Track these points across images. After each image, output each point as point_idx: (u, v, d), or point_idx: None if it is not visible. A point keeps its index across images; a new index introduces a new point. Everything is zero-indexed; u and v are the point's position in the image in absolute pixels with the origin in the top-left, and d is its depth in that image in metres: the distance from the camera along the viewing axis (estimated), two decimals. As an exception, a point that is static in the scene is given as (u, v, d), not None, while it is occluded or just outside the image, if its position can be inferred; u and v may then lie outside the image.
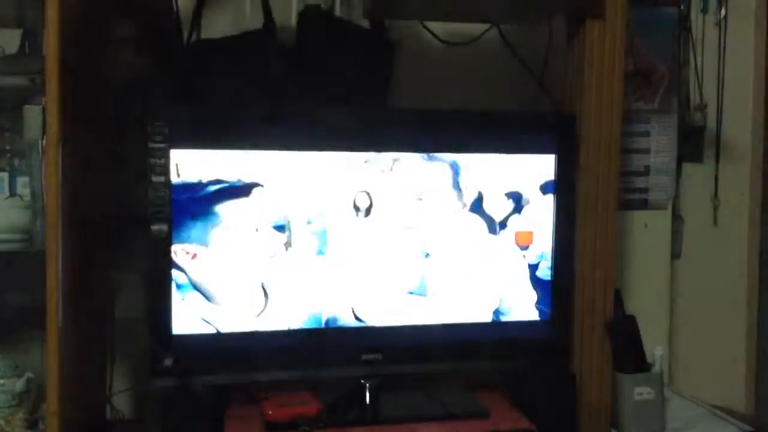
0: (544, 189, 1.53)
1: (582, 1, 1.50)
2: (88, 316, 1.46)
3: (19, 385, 1.48)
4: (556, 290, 1.54)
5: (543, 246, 1.54)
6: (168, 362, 1.37)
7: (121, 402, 1.65)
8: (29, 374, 1.49)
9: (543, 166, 1.52)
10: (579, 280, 1.55)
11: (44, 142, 1.32)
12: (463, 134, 1.51)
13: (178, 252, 1.38)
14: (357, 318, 1.47)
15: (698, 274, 2.04)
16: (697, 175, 2.04)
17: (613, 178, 1.53)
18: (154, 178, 1.36)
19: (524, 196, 1.52)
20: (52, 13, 1.22)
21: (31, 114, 1.27)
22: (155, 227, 1.37)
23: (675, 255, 1.96)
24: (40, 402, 1.49)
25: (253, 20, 1.65)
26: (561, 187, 1.53)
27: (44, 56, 1.52)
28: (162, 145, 1.36)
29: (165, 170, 1.36)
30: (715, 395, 1.82)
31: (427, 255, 1.49)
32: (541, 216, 1.53)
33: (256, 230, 1.42)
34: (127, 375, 1.68)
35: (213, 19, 1.69)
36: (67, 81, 1.24)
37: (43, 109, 1.24)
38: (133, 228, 1.58)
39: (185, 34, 1.64)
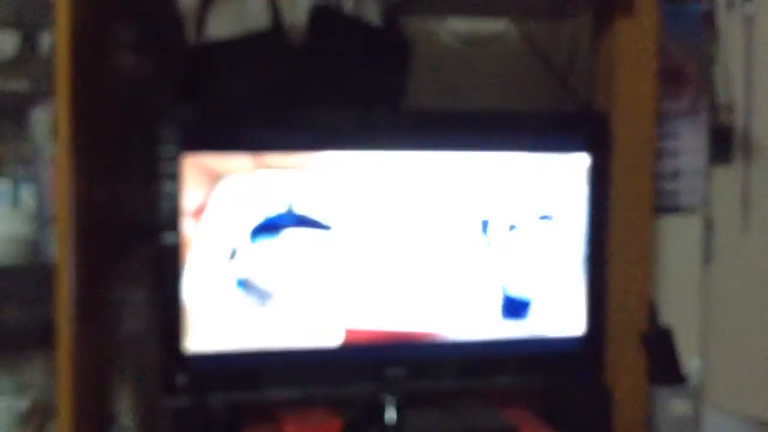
0: (576, 194, 1.47)
1: (612, -3, 1.46)
2: (95, 330, 1.41)
3: (23, 404, 1.43)
4: (589, 300, 1.49)
5: (575, 254, 1.48)
6: (181, 380, 1.31)
7: (128, 420, 1.60)
8: (34, 393, 1.44)
9: (574, 168, 1.47)
10: (613, 291, 1.51)
11: (53, 149, 1.28)
12: (491, 134, 1.47)
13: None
14: (379, 332, 1.42)
15: (729, 280, 1.99)
16: (725, 177, 1.99)
17: (647, 182, 1.50)
18: (165, 185, 1.30)
19: (555, 199, 1.47)
20: (62, 17, 1.20)
21: (40, 120, 1.23)
22: (167, 236, 1.31)
23: (705, 260, 1.90)
24: (45, 421, 1.44)
25: (261, 19, 1.60)
26: (594, 190, 1.48)
27: (47, 60, 1.49)
28: (173, 151, 1.31)
29: (176, 176, 1.31)
30: (750, 405, 1.76)
31: (452, 264, 1.44)
32: (572, 221, 1.48)
33: (271, 237, 1.37)
34: (134, 392, 1.62)
35: (219, 20, 1.63)
36: (74, 86, 1.21)
37: (54, 114, 1.20)
38: (138, 239, 1.53)
39: (190, 35, 1.59)
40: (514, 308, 1.47)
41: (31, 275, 1.40)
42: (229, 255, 1.35)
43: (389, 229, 1.41)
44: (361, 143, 1.41)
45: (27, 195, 1.41)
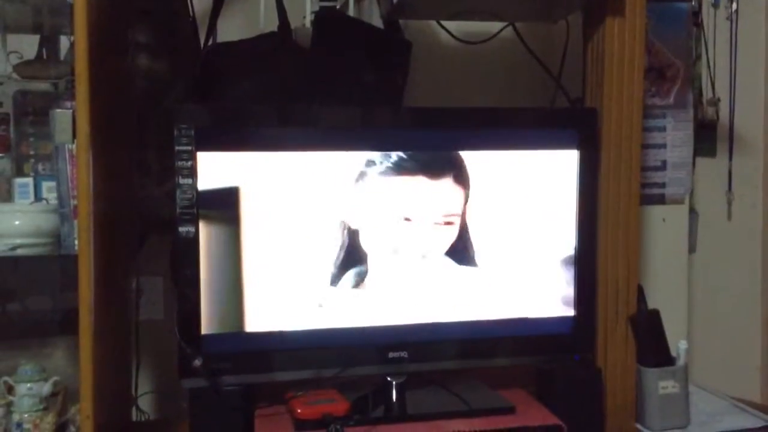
0: (566, 185, 1.54)
1: (601, -2, 1.52)
2: (114, 318, 1.47)
3: (46, 388, 1.48)
4: (580, 286, 1.55)
5: (566, 242, 1.54)
6: (197, 362, 1.37)
7: (145, 403, 1.66)
8: (56, 378, 1.49)
9: (565, 162, 1.53)
10: (602, 276, 1.56)
11: (73, 146, 1.33)
12: (483, 132, 1.51)
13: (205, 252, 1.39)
14: (383, 316, 1.48)
15: (713, 268, 2.06)
16: (710, 169, 2.06)
17: (635, 174, 1.54)
18: (181, 181, 1.37)
19: (546, 191, 1.53)
20: (80, 19, 1.24)
21: (62, 118, 1.28)
22: (183, 229, 1.37)
23: (690, 249, 1.97)
24: (68, 405, 1.50)
25: (268, 22, 1.66)
26: (583, 183, 1.53)
27: (65, 61, 1.55)
28: (188, 148, 1.37)
29: (192, 172, 1.37)
30: (730, 387, 1.83)
31: (451, 250, 1.50)
32: (563, 211, 1.54)
33: (278, 229, 1.42)
34: (152, 376, 1.69)
35: (229, 23, 1.69)
36: (93, 86, 1.25)
37: (73, 113, 1.25)
38: (155, 230, 1.59)
39: (202, 38, 1.64)
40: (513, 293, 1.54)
41: (53, 266, 1.45)
42: (239, 245, 1.41)
43: (392, 223, 1.47)
44: (364, 142, 1.46)
45: (48, 190, 1.47)
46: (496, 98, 1.82)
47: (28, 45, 1.57)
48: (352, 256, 1.46)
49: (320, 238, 1.44)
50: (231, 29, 1.69)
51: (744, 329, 2.11)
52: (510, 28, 1.75)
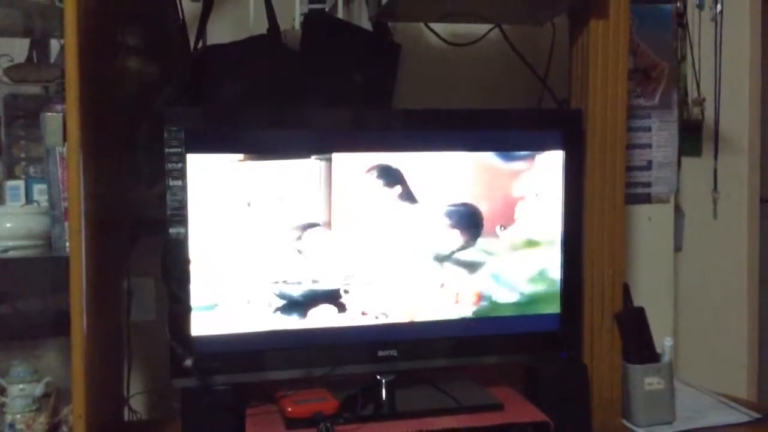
0: (552, 185, 1.55)
1: (586, 0, 1.53)
2: (106, 319, 1.47)
3: (38, 389, 1.49)
4: (566, 284, 1.57)
5: (552, 241, 1.56)
6: (188, 363, 1.38)
7: (137, 403, 1.67)
8: (48, 378, 1.50)
9: (550, 162, 1.55)
10: (588, 274, 1.58)
11: (64, 149, 1.34)
12: (471, 133, 1.53)
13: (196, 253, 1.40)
14: (372, 315, 1.50)
15: (699, 267, 2.08)
16: (696, 168, 2.09)
17: (620, 174, 1.56)
18: (172, 182, 1.38)
19: (533, 191, 1.55)
20: (70, 22, 1.25)
21: (52, 121, 1.29)
22: (173, 230, 1.39)
23: (676, 248, 1.99)
24: (60, 406, 1.51)
25: (258, 25, 1.67)
26: (569, 183, 1.55)
27: (56, 65, 1.56)
28: (178, 150, 1.38)
29: (181, 174, 1.38)
30: (716, 384, 1.85)
31: (439, 250, 1.52)
32: (549, 211, 1.56)
33: (269, 231, 1.44)
34: (143, 377, 1.70)
35: (218, 25, 1.71)
36: (83, 89, 1.27)
37: (64, 116, 1.26)
38: (146, 232, 1.60)
39: (192, 41, 1.65)
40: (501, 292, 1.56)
41: (45, 268, 1.46)
42: (230, 245, 1.42)
43: (381, 223, 1.48)
44: (353, 143, 1.48)
45: (39, 192, 1.48)
46: (484, 99, 1.83)
47: (18, 48, 1.57)
48: (343, 257, 1.47)
49: (309, 238, 1.45)
50: (220, 32, 1.70)
51: (730, 327, 2.14)
52: (497, 30, 1.76)
